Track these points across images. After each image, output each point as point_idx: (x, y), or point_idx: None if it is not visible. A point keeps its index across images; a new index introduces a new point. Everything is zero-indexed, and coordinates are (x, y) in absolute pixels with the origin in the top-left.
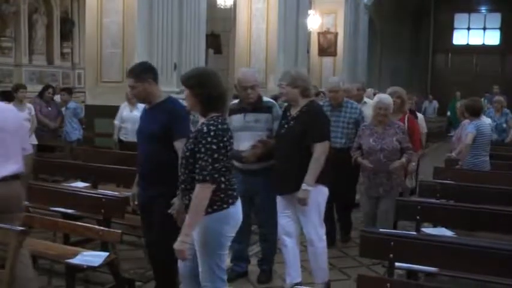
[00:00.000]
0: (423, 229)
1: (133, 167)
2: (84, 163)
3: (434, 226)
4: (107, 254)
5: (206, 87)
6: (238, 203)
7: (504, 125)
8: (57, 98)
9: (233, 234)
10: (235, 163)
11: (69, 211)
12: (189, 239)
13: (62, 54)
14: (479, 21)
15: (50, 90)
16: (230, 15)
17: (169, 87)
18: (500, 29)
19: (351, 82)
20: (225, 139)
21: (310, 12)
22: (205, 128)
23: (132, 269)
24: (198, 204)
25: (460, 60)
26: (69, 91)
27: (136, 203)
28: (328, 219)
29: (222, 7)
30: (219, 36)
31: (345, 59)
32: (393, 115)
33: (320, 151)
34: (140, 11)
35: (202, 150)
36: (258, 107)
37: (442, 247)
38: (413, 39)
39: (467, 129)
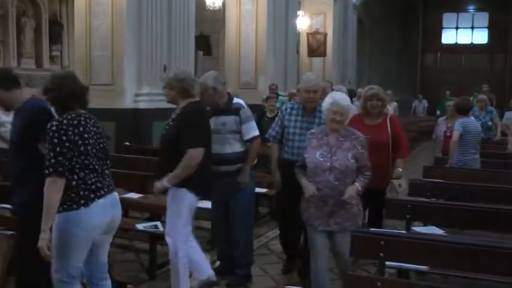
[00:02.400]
0: (413, 228)
1: (124, 170)
2: None
3: (425, 225)
4: None
5: (54, 90)
6: (95, 205)
7: (490, 123)
8: None
9: (89, 239)
10: (213, 166)
11: None
12: (45, 235)
13: (51, 58)
14: (468, 20)
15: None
16: (219, 16)
17: (159, 89)
18: (488, 28)
19: (340, 82)
20: (70, 133)
21: (299, 12)
22: (49, 124)
23: (123, 271)
24: (48, 198)
25: (449, 60)
26: None
27: None
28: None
29: (211, 8)
30: (208, 37)
31: (334, 60)
32: (372, 120)
33: (188, 157)
34: (129, 13)
35: (46, 145)
36: (226, 109)
37: (432, 246)
38: (402, 39)
39: (455, 127)
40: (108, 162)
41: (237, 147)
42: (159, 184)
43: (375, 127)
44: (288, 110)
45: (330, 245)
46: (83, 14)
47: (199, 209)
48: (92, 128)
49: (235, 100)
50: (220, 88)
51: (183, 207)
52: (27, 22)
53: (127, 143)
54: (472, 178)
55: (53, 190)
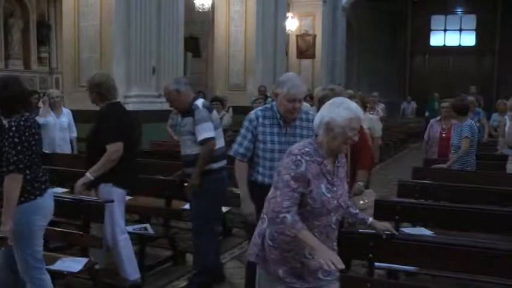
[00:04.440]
0: (402, 229)
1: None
2: (63, 168)
3: (413, 226)
4: (87, 259)
5: None
6: (47, 194)
7: (477, 125)
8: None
9: (45, 224)
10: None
11: None
12: (5, 227)
13: (39, 59)
14: (455, 22)
15: (36, 96)
16: (208, 18)
17: (148, 91)
18: (476, 30)
19: (330, 84)
20: (27, 134)
21: (288, 14)
22: (7, 125)
23: (113, 274)
24: (9, 194)
25: (437, 61)
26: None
27: None
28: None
29: (200, 10)
30: (197, 39)
31: (323, 61)
32: None
33: (108, 152)
34: (118, 14)
35: (6, 144)
36: (188, 111)
37: (421, 246)
38: (391, 41)
39: (465, 134)
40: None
41: (195, 149)
42: (81, 179)
43: None
44: (260, 120)
45: None
46: (71, 15)
47: (188, 211)
48: (37, 129)
49: (198, 101)
50: (183, 89)
51: (115, 203)
52: (14, 23)
53: None
54: (462, 179)
55: (14, 186)
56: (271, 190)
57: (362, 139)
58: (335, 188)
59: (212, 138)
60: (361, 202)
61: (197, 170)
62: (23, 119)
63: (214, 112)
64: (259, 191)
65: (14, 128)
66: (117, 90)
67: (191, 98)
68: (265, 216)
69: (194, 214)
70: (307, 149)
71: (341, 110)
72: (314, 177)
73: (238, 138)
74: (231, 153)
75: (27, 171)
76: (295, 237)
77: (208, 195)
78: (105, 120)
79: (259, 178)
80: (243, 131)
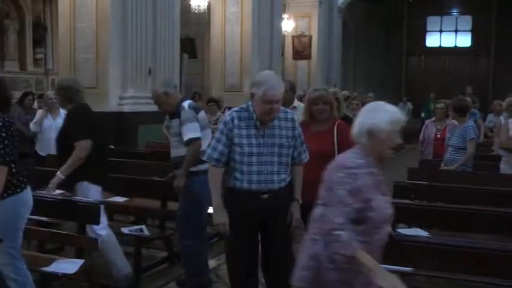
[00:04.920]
0: (398, 230)
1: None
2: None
3: (409, 226)
4: (82, 261)
5: None
6: (28, 188)
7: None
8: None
9: (27, 216)
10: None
11: (44, 218)
12: None
13: (35, 60)
14: (451, 23)
15: (30, 97)
16: (204, 19)
17: (144, 92)
18: (472, 31)
19: (326, 85)
20: (12, 129)
21: (284, 15)
22: None
23: (108, 276)
24: None
25: (433, 62)
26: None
27: None
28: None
29: (196, 11)
30: (193, 40)
31: (319, 62)
32: (319, 126)
33: (77, 150)
34: (113, 15)
35: None
36: (175, 112)
37: (416, 247)
38: (387, 42)
39: (470, 136)
40: None
41: (182, 151)
42: (53, 180)
43: (319, 134)
44: (236, 122)
45: None
46: (67, 17)
47: None
48: (15, 128)
49: (184, 102)
50: (171, 91)
51: (92, 198)
52: (10, 24)
53: (112, 147)
54: (456, 180)
55: (2, 178)
56: (319, 208)
57: (346, 141)
58: (387, 197)
59: (198, 139)
60: None
61: (182, 171)
62: (6, 117)
63: (202, 113)
64: (237, 198)
65: (0, 124)
66: (84, 93)
67: (179, 100)
68: (316, 237)
69: (181, 216)
70: (361, 161)
71: (381, 114)
72: (370, 189)
73: (212, 142)
74: (205, 158)
75: (13, 165)
76: (351, 258)
77: (196, 197)
78: (73, 120)
79: (238, 184)
80: (217, 134)
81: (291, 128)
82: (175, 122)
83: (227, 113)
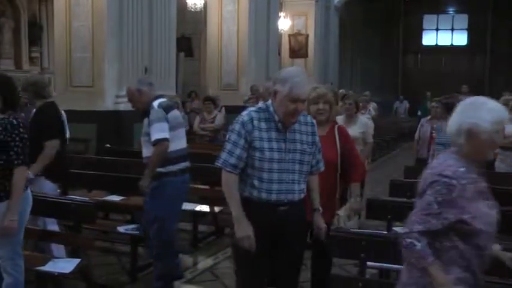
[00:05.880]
0: (394, 228)
1: (105, 172)
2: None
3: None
4: (78, 260)
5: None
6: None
7: None
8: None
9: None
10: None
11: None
12: (17, 216)
13: (31, 59)
14: (447, 22)
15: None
16: (201, 17)
17: None
18: (468, 29)
19: (323, 84)
20: (25, 131)
21: (280, 14)
22: (14, 121)
23: (104, 275)
24: (21, 185)
25: (430, 61)
26: None
27: None
28: None
29: (192, 10)
30: (190, 39)
31: (316, 61)
32: (318, 129)
33: (47, 149)
34: (110, 14)
35: (17, 139)
36: (147, 111)
37: None
38: (383, 40)
39: None
40: None
41: (151, 151)
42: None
43: (321, 139)
44: (256, 123)
45: None
46: (63, 15)
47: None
48: None
49: (155, 101)
50: (144, 88)
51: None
52: (5, 23)
53: (108, 146)
54: None
55: (24, 177)
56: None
57: (352, 155)
58: (491, 203)
59: (164, 139)
60: (347, 217)
61: (147, 172)
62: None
63: (174, 112)
64: (255, 210)
65: (22, 125)
66: (51, 89)
67: (151, 98)
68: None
69: (149, 217)
70: (461, 169)
71: (483, 112)
72: (471, 200)
73: (228, 146)
74: (219, 163)
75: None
76: (423, 270)
77: (164, 199)
78: (43, 118)
79: (255, 194)
80: (233, 136)
81: (311, 133)
82: (145, 121)
83: (243, 112)
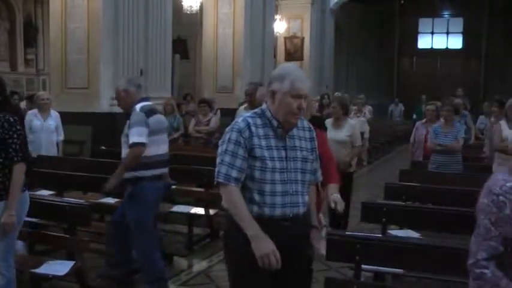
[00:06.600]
0: (389, 231)
1: (100, 174)
2: (49, 170)
3: (401, 228)
4: (73, 262)
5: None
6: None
7: (464, 127)
8: (22, 104)
9: (25, 215)
10: None
11: (34, 220)
12: (14, 211)
13: (26, 61)
14: (443, 25)
15: (16, 96)
16: (196, 20)
17: None
18: (463, 33)
19: (318, 87)
20: (21, 129)
21: (276, 17)
22: (11, 119)
23: (96, 278)
24: (20, 181)
25: (425, 64)
26: (32, 99)
27: None
28: None
29: (188, 12)
30: (185, 41)
31: (311, 64)
32: None
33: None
34: (105, 16)
35: (15, 136)
36: (128, 112)
37: (408, 249)
38: (379, 43)
39: (461, 134)
40: None
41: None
42: None
43: None
44: (254, 129)
45: None
46: (59, 17)
47: (175, 213)
48: None
49: (138, 104)
50: (131, 89)
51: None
52: (0, 24)
53: (103, 148)
54: (447, 181)
55: (23, 173)
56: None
57: (325, 156)
58: None
59: (140, 144)
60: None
61: (117, 172)
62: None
63: (157, 117)
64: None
65: (18, 122)
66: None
67: (136, 100)
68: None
69: (136, 225)
70: (508, 184)
71: None
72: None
73: (226, 158)
74: (219, 179)
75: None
76: None
77: (138, 204)
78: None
79: (255, 210)
80: (230, 146)
81: (309, 139)
82: (128, 122)
83: (237, 119)
